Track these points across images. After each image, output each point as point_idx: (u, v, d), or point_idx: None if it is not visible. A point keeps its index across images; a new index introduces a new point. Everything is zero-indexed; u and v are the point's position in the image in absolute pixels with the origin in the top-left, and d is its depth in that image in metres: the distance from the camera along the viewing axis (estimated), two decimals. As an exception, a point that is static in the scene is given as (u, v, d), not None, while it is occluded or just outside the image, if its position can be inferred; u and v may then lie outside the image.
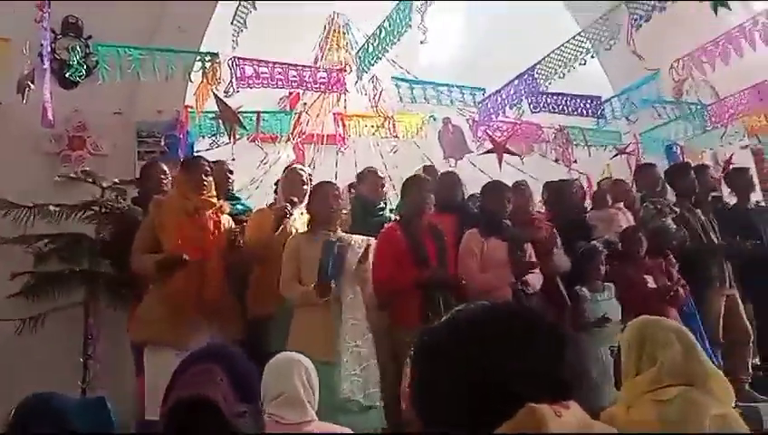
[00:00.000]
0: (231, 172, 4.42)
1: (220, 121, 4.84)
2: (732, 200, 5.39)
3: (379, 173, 4.60)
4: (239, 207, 4.31)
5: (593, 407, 2.06)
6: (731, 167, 6.28)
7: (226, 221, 3.68)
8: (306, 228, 3.62)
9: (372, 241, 3.58)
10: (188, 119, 4.89)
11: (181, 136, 4.77)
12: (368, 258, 3.46)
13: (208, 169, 3.64)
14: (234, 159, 4.66)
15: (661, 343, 1.96)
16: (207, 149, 5.07)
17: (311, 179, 3.99)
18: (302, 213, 3.77)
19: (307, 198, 3.70)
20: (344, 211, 3.97)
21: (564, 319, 3.87)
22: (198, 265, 3.39)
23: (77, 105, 4.86)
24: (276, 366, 2.30)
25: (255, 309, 3.65)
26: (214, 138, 5.17)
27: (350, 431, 2.31)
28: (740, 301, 4.83)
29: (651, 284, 4.25)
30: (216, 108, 4.77)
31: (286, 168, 4.33)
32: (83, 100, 4.83)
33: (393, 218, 4.15)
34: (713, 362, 4.05)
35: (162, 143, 4.88)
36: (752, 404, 4.22)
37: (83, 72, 4.58)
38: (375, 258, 3.54)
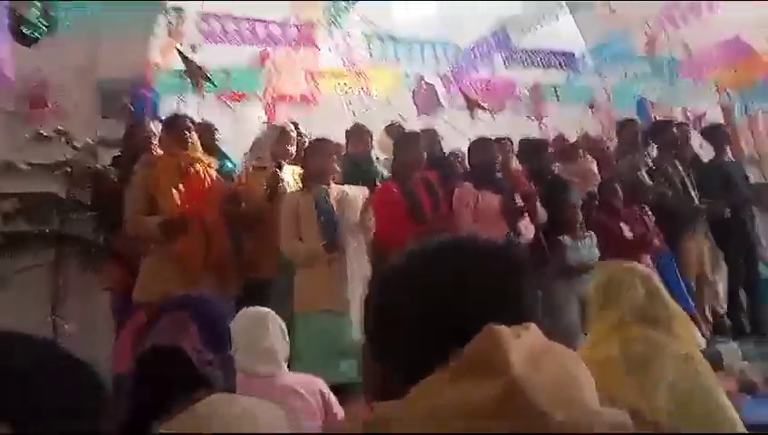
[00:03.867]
0: (217, 130, 4.42)
1: (187, 79, 4.72)
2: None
3: (365, 127, 4.60)
4: (229, 164, 4.30)
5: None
6: (702, 122, 6.38)
7: (217, 177, 3.69)
8: (300, 184, 3.65)
9: (367, 191, 3.64)
10: (153, 76, 4.75)
11: (146, 94, 4.64)
12: (369, 207, 3.51)
13: (190, 124, 3.62)
14: (202, 119, 4.57)
15: (626, 285, 2.00)
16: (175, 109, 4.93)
17: (301, 136, 4.03)
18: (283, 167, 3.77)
19: (303, 153, 3.74)
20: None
21: (547, 266, 4.06)
22: (201, 223, 3.40)
23: (37, 63, 4.69)
24: (249, 318, 2.28)
25: (254, 272, 3.64)
26: (181, 96, 5.02)
27: (321, 380, 2.32)
28: (706, 251, 5.03)
29: (627, 232, 4.43)
30: (181, 65, 4.64)
31: (271, 125, 4.28)
32: (43, 57, 4.64)
33: (384, 175, 4.22)
34: (688, 306, 4.27)
35: (126, 102, 4.74)
36: (713, 347, 4.41)
37: (43, 28, 4.40)
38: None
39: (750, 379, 4.16)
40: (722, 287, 5.26)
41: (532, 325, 0.77)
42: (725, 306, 5.25)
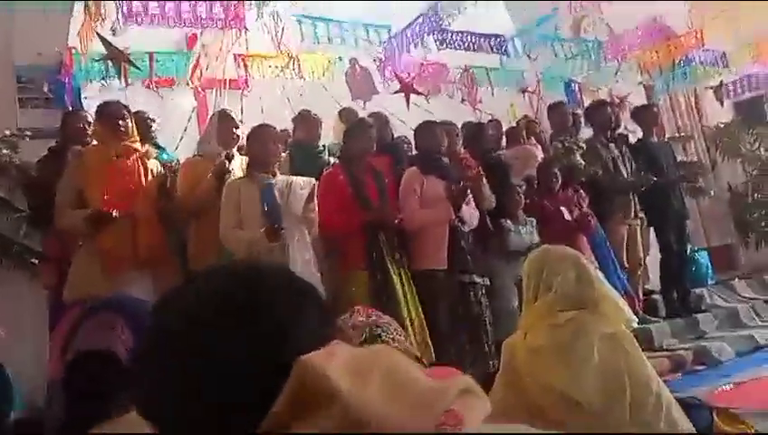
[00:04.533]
0: (153, 120, 4.28)
1: (109, 63, 4.50)
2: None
3: (313, 114, 4.53)
4: (164, 156, 4.15)
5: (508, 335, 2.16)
6: (625, 103, 6.61)
7: (155, 167, 3.53)
8: (244, 172, 3.55)
9: (315, 182, 3.59)
10: (73, 61, 4.51)
11: (66, 81, 4.40)
12: (313, 199, 3.48)
13: (124, 112, 3.46)
14: (128, 106, 4.37)
15: (556, 270, 2.05)
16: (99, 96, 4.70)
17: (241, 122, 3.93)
18: (233, 157, 3.65)
19: (245, 141, 3.64)
20: (282, 156, 3.92)
21: (490, 249, 4.19)
22: (129, 216, 3.26)
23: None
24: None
25: (197, 264, 3.49)
26: (103, 82, 4.78)
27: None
28: (639, 231, 5.21)
29: (566, 215, 4.58)
30: (103, 49, 4.42)
31: (215, 112, 4.14)
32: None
33: (332, 162, 4.16)
34: (619, 285, 4.45)
35: (45, 89, 4.47)
36: (644, 326, 4.60)
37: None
38: (318, 203, 3.55)
39: (680, 356, 4.40)
40: (652, 267, 5.48)
41: (338, 342, 0.72)
42: (658, 286, 5.47)
